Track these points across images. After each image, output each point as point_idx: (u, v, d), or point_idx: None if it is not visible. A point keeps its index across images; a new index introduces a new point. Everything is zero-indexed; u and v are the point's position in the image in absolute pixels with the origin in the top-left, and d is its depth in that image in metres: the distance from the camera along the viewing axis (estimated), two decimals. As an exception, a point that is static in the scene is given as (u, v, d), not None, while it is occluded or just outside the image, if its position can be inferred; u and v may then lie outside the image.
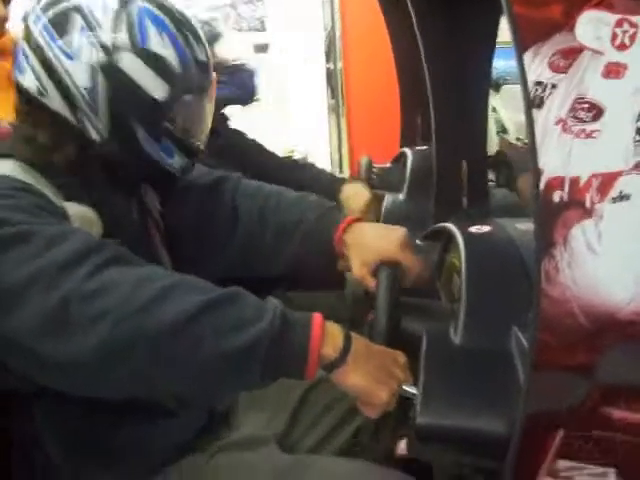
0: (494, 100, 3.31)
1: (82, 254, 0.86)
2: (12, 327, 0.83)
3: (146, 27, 1.02)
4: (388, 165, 2.22)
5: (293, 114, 4.46)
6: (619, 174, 0.68)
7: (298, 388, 1.26)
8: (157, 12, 1.04)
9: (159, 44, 1.03)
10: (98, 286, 0.83)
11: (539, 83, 0.66)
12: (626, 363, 0.73)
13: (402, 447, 1.00)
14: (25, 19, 1.06)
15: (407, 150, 2.13)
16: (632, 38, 0.66)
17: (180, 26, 1.06)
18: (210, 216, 1.31)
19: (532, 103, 0.67)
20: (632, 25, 0.66)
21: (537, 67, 0.66)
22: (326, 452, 1.22)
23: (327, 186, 1.94)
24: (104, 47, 1.00)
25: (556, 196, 0.69)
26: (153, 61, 1.02)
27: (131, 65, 1.01)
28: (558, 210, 0.69)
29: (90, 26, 1.00)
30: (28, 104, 1.05)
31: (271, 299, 0.88)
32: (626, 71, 0.66)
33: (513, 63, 0.65)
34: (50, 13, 1.02)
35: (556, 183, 0.68)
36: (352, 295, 1.44)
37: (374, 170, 2.21)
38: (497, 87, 3.26)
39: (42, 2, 1.04)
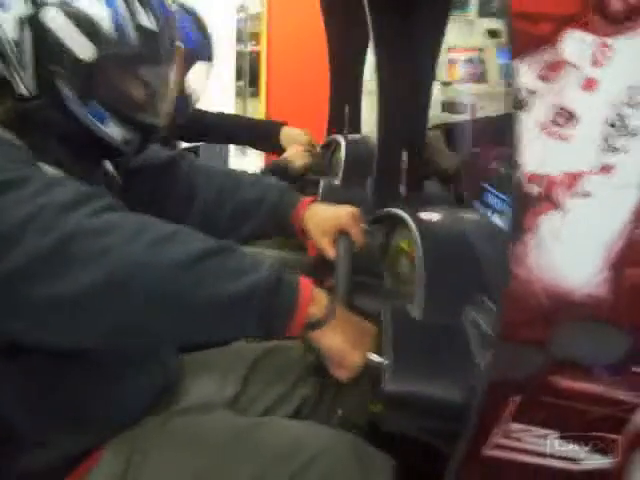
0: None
1: (82, 197, 0.87)
2: (1, 270, 0.82)
3: None
4: (317, 151, 2.28)
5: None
6: (585, 174, 0.78)
7: (247, 355, 1.31)
8: None
9: (91, 3, 1.02)
10: (102, 225, 0.85)
11: (528, 90, 0.75)
12: (575, 339, 0.84)
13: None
14: None
15: (339, 137, 2.20)
16: (605, 57, 0.76)
17: None
18: (166, 194, 1.34)
19: (518, 105, 0.76)
20: (606, 46, 0.76)
21: (526, 74, 0.75)
22: (274, 417, 1.27)
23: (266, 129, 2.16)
24: (33, 0, 1.00)
25: (532, 189, 0.78)
26: (81, 20, 1.01)
27: (56, 21, 1.00)
28: (532, 202, 0.78)
29: None
30: None
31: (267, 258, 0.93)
32: (598, 85, 0.76)
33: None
34: None
35: (533, 178, 0.77)
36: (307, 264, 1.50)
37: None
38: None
39: None
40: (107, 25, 1.02)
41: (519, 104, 0.76)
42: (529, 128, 0.76)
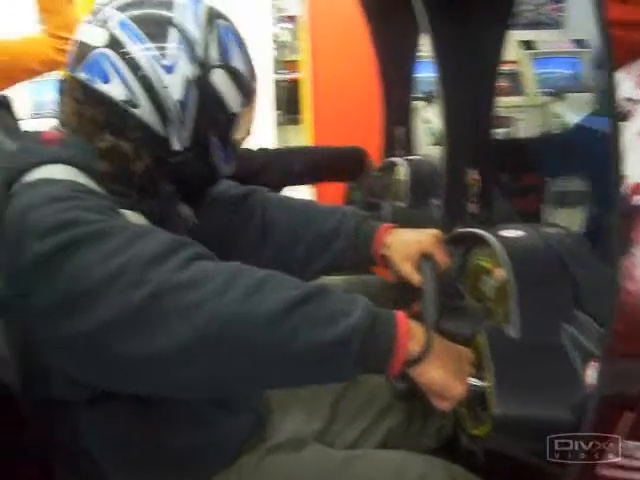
0: (427, 112, 3.45)
1: (169, 248, 0.86)
2: (88, 326, 0.81)
3: (229, 44, 1.07)
4: (374, 174, 2.28)
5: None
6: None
7: (333, 386, 1.30)
8: (233, 30, 1.10)
9: (238, 59, 1.09)
10: (191, 277, 0.83)
11: (628, 99, 0.74)
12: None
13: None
14: (100, 22, 1.03)
15: (397, 159, 2.20)
16: None
17: (242, 41, 1.11)
18: (240, 228, 1.34)
19: (619, 116, 0.75)
20: None
21: (627, 84, 0.73)
22: (363, 448, 1.26)
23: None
24: (200, 63, 1.04)
25: (637, 200, 0.76)
26: (235, 76, 1.08)
27: (220, 80, 1.06)
28: (637, 212, 0.77)
29: (187, 41, 1.03)
30: (110, 113, 1.03)
31: (358, 295, 0.90)
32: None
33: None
34: (141, 22, 1.02)
35: (637, 188, 0.76)
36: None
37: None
38: (429, 99, 3.39)
39: (124, 7, 1.03)
40: (248, 77, 1.11)
41: (621, 115, 0.75)
42: (632, 138, 0.75)
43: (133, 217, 1.00)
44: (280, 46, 5.35)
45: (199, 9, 1.06)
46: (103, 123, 1.03)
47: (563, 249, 1.12)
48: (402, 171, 2.10)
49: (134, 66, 1.01)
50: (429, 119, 3.41)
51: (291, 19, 5.45)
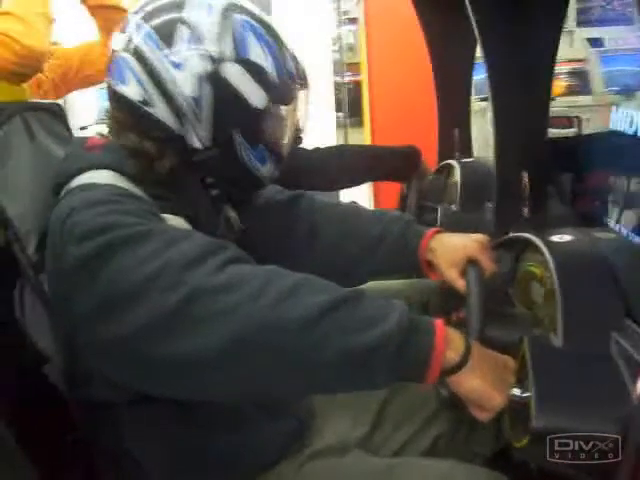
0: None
1: (206, 251, 0.87)
2: (124, 330, 0.83)
3: (247, 38, 1.06)
4: (430, 177, 2.25)
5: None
6: None
7: (378, 392, 1.27)
8: (255, 24, 1.08)
9: (259, 55, 1.06)
10: (226, 281, 0.84)
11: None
12: None
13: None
14: (124, 29, 1.08)
15: (452, 162, 2.16)
16: None
17: (275, 37, 1.09)
18: (289, 233, 1.35)
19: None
20: None
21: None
22: (408, 456, 1.24)
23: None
24: (210, 58, 1.03)
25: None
26: (254, 71, 1.06)
27: (235, 75, 1.04)
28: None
29: (196, 37, 1.03)
30: (131, 114, 1.07)
31: (395, 301, 0.88)
32: None
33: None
34: (154, 23, 1.05)
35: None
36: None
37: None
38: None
39: (142, 13, 1.06)
40: (273, 73, 1.08)
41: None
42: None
43: (174, 221, 1.01)
44: (346, 48, 5.33)
45: (215, 5, 1.06)
46: (128, 124, 1.07)
47: (614, 255, 1.07)
48: (457, 174, 2.06)
49: (147, 66, 1.04)
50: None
51: (354, 21, 5.44)
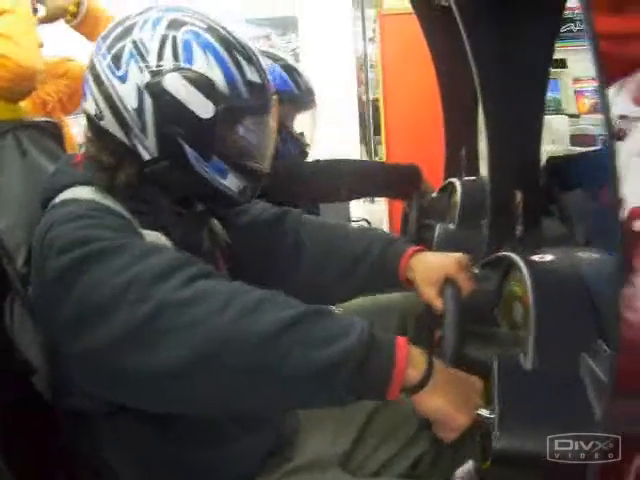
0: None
1: (174, 266, 0.89)
2: (96, 341, 0.85)
3: (192, 49, 1.07)
4: (434, 195, 2.24)
5: (323, 142, 4.48)
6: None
7: (363, 409, 1.27)
8: (204, 34, 1.08)
9: (204, 64, 1.06)
10: (191, 295, 0.85)
11: (623, 117, 0.69)
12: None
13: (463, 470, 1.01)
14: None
15: (455, 181, 2.16)
16: None
17: (229, 47, 1.09)
18: (274, 251, 1.35)
19: (615, 136, 0.70)
20: None
21: (622, 101, 0.69)
22: (387, 476, 1.23)
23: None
24: (149, 69, 1.05)
25: (637, 225, 0.71)
26: (198, 81, 1.06)
27: (175, 85, 1.05)
28: (638, 239, 0.71)
29: (139, 52, 1.06)
30: (90, 129, 1.12)
31: (358, 318, 0.88)
32: None
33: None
34: (108, 44, 1.09)
35: (638, 213, 0.71)
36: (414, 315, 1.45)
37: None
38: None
39: (105, 37, 1.11)
40: (221, 83, 1.07)
41: (616, 134, 0.70)
42: (629, 158, 0.70)
43: (153, 236, 1.03)
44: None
45: (162, 20, 1.08)
46: (90, 139, 1.12)
47: (592, 275, 1.05)
48: (458, 192, 2.05)
49: (99, 82, 1.08)
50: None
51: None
